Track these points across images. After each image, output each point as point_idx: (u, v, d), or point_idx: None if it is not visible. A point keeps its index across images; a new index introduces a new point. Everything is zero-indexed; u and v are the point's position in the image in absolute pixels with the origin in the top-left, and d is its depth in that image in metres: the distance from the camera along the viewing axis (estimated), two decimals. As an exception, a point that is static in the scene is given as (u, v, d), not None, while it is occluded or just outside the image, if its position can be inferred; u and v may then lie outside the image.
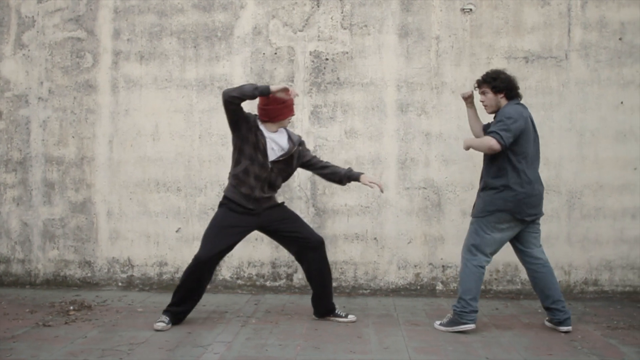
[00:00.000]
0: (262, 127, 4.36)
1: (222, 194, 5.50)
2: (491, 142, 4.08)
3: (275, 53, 5.53)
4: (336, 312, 4.59)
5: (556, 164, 5.37)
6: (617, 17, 5.34)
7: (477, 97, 4.46)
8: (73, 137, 5.68)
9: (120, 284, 5.67)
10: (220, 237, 4.31)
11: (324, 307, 4.58)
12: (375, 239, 5.47)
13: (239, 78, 5.55)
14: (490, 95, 4.28)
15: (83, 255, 5.69)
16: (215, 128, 5.56)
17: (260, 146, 4.29)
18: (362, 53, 5.48)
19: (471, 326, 4.23)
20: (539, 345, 3.99)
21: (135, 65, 5.63)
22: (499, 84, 4.23)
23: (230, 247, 4.39)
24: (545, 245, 5.36)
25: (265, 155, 4.30)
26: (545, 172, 5.38)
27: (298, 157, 4.44)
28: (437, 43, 5.45)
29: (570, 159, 5.37)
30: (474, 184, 5.39)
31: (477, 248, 4.24)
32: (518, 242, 4.38)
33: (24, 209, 5.73)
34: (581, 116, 5.36)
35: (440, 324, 4.33)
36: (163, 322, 4.30)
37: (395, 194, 5.45)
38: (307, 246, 4.46)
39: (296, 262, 5.48)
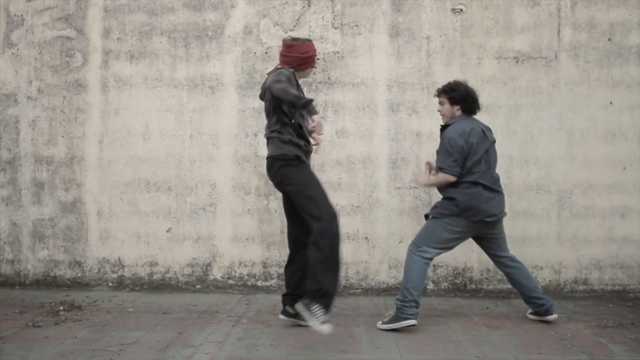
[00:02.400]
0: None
1: (213, 194, 5.52)
2: (448, 178, 4.23)
3: (266, 52, 5.53)
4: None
5: (546, 163, 5.40)
6: (606, 18, 5.38)
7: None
8: (63, 136, 5.65)
9: (110, 284, 5.64)
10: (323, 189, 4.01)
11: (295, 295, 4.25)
12: (366, 238, 5.48)
13: (229, 77, 5.54)
14: (447, 105, 4.36)
15: (73, 255, 5.66)
16: (206, 128, 5.55)
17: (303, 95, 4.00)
18: (353, 53, 5.49)
19: (412, 322, 4.18)
20: (529, 344, 4.01)
21: (125, 65, 5.61)
22: (457, 96, 4.31)
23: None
24: (535, 245, 5.41)
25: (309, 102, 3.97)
26: (535, 171, 5.41)
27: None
28: (428, 43, 5.46)
29: (560, 158, 5.40)
30: (465, 183, 5.42)
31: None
32: (487, 245, 4.49)
33: (13, 209, 5.70)
34: (571, 116, 5.40)
35: (382, 323, 4.31)
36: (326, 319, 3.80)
37: (386, 194, 5.46)
38: (305, 226, 4.10)
39: (287, 262, 5.48)
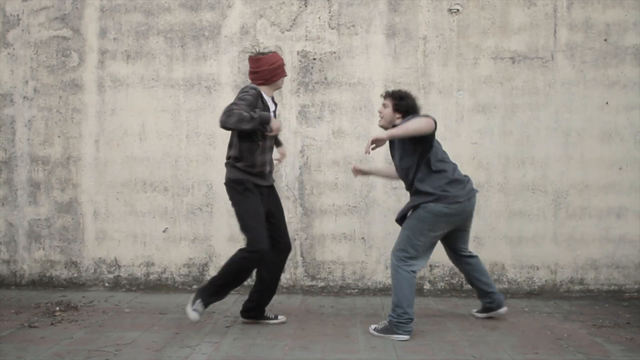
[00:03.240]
0: (262, 94, 4.22)
1: (209, 194, 5.52)
2: (426, 124, 4.03)
3: (263, 53, 5.52)
4: (265, 314, 4.49)
5: (542, 163, 5.41)
6: (602, 18, 5.39)
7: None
8: (59, 136, 5.64)
9: (106, 284, 5.63)
10: (258, 218, 4.17)
11: (256, 311, 4.46)
12: (363, 238, 5.48)
13: (226, 77, 5.53)
14: (389, 110, 4.27)
15: (69, 255, 5.65)
16: (202, 128, 5.54)
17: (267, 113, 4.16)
18: (349, 53, 5.49)
19: (405, 337, 4.08)
20: (525, 344, 4.02)
21: (121, 65, 5.60)
22: (402, 105, 4.24)
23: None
24: (531, 245, 5.42)
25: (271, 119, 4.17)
26: (531, 172, 5.42)
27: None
28: (425, 43, 5.47)
29: (556, 158, 5.41)
30: (461, 183, 5.42)
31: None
32: (456, 238, 4.48)
33: (9, 209, 5.68)
34: (567, 116, 5.41)
35: (375, 329, 4.21)
36: (197, 311, 4.14)
37: (383, 194, 5.47)
38: (275, 245, 4.33)
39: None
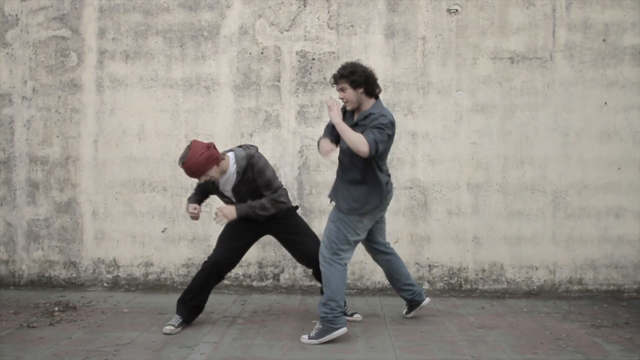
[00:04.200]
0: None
1: (208, 194, 5.52)
2: (363, 148, 3.84)
3: (262, 53, 5.53)
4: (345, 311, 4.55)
5: (541, 163, 5.41)
6: (601, 18, 5.39)
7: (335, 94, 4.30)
8: (58, 136, 5.63)
9: (105, 284, 5.63)
10: (229, 239, 4.34)
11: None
12: (361, 238, 5.48)
13: (225, 77, 5.53)
14: (349, 90, 4.00)
15: (68, 255, 5.65)
16: (201, 128, 5.54)
17: (223, 194, 4.36)
18: (348, 53, 5.49)
19: (344, 329, 4.02)
20: (524, 344, 4.02)
21: (120, 65, 5.60)
22: (357, 78, 3.97)
23: (239, 249, 4.38)
24: (530, 245, 5.42)
25: (225, 197, 4.37)
26: (530, 172, 5.42)
27: (252, 177, 4.24)
28: (424, 43, 5.47)
29: (555, 159, 5.42)
30: (460, 183, 5.43)
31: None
32: (373, 232, 4.39)
33: (8, 209, 5.68)
34: (566, 116, 5.41)
35: (309, 337, 4.03)
36: (172, 325, 4.26)
37: (382, 194, 5.46)
38: (311, 261, 4.45)
39: (283, 262, 5.49)
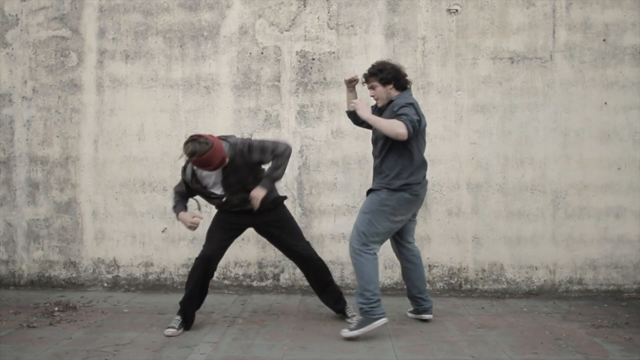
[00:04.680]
0: (197, 172, 4.25)
1: (208, 194, 5.52)
2: (401, 130, 3.89)
3: (262, 53, 5.53)
4: (345, 312, 4.60)
5: (541, 163, 5.41)
6: (601, 18, 5.39)
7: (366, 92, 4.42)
8: (58, 136, 5.63)
9: (105, 284, 5.63)
10: (219, 233, 4.37)
11: (331, 306, 4.63)
12: (361, 238, 5.48)
13: (225, 77, 5.53)
14: (379, 88, 4.16)
15: (68, 255, 5.65)
16: (201, 128, 5.54)
17: (205, 192, 4.29)
18: (348, 53, 5.49)
19: (384, 319, 4.05)
20: (524, 344, 4.02)
21: (120, 65, 5.60)
22: (387, 76, 4.12)
23: (226, 243, 4.41)
24: (530, 245, 5.42)
25: (213, 194, 4.28)
26: (530, 172, 5.42)
27: (244, 160, 4.19)
28: (424, 43, 5.47)
29: (555, 159, 5.42)
30: (460, 183, 5.43)
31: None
32: (397, 234, 4.42)
33: (8, 209, 5.68)
34: (566, 116, 5.41)
35: (350, 329, 4.05)
36: (173, 327, 4.24)
37: (382, 194, 5.46)
38: (296, 257, 4.52)
39: (283, 262, 5.48)
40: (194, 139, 3.94)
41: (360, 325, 4.05)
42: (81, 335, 4.16)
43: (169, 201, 5.57)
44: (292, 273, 5.53)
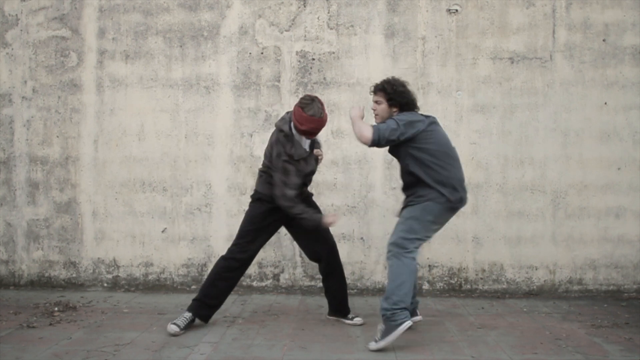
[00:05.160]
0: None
1: (208, 194, 5.52)
2: (366, 134, 3.83)
3: (262, 53, 5.52)
4: (348, 316, 4.56)
5: (541, 163, 5.41)
6: (601, 18, 5.39)
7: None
8: (57, 136, 5.63)
9: (105, 284, 5.63)
10: (258, 231, 4.38)
11: (333, 308, 4.59)
12: (362, 238, 5.48)
13: (225, 78, 5.53)
14: (384, 106, 4.00)
15: (68, 255, 5.65)
16: (201, 128, 5.54)
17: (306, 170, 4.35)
18: (348, 53, 5.49)
19: (409, 322, 3.84)
20: (524, 344, 4.02)
21: (120, 65, 5.60)
22: (396, 98, 3.95)
23: (265, 240, 4.45)
24: (530, 245, 5.42)
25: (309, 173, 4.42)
26: (530, 172, 5.42)
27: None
28: (423, 43, 5.47)
29: (555, 159, 5.42)
30: (460, 183, 5.42)
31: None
32: None
33: (8, 209, 5.68)
34: (566, 116, 5.41)
35: (376, 341, 3.86)
36: (177, 326, 4.21)
37: (382, 194, 5.47)
38: (319, 254, 4.49)
39: (283, 262, 5.49)
40: (312, 99, 4.11)
41: (385, 334, 3.84)
42: (81, 336, 4.16)
43: (168, 201, 5.57)
44: (292, 273, 5.53)
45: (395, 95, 3.97)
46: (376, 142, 3.86)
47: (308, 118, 4.10)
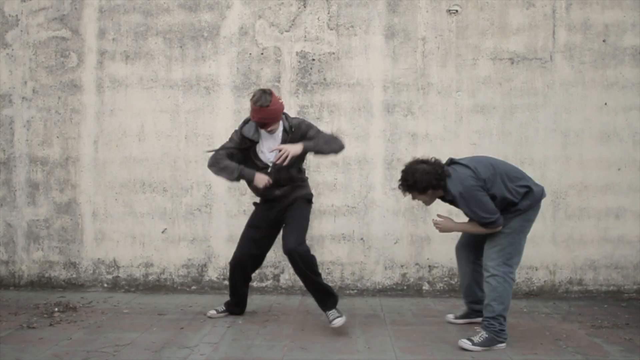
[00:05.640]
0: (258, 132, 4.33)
1: (208, 195, 5.52)
2: (488, 228, 3.95)
3: (262, 53, 5.53)
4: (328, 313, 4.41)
5: (541, 164, 5.41)
6: (601, 19, 5.39)
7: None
8: (58, 137, 5.64)
9: (105, 285, 5.63)
10: (251, 234, 4.51)
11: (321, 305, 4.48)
12: (362, 239, 5.48)
13: (225, 78, 5.53)
14: (421, 196, 4.02)
15: (68, 256, 5.65)
16: (201, 128, 5.54)
17: (258, 159, 4.36)
18: (348, 54, 5.49)
19: (504, 346, 3.96)
20: (524, 344, 4.02)
21: (120, 65, 5.60)
22: (422, 185, 3.93)
23: (264, 240, 4.54)
24: (530, 245, 5.38)
25: (260, 161, 4.37)
26: (530, 172, 5.39)
27: (300, 134, 4.29)
28: (423, 44, 5.47)
29: (555, 159, 5.42)
30: (460, 184, 5.42)
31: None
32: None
33: (8, 209, 5.68)
34: (566, 117, 5.41)
35: (473, 344, 3.91)
36: (216, 310, 4.67)
37: (382, 195, 5.47)
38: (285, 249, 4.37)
39: (283, 263, 5.49)
40: (263, 90, 4.18)
41: (485, 343, 3.90)
42: (81, 336, 4.16)
43: (168, 201, 5.57)
44: (292, 274, 5.52)
45: (418, 184, 3.95)
46: (501, 222, 3.96)
47: (255, 108, 4.19)
